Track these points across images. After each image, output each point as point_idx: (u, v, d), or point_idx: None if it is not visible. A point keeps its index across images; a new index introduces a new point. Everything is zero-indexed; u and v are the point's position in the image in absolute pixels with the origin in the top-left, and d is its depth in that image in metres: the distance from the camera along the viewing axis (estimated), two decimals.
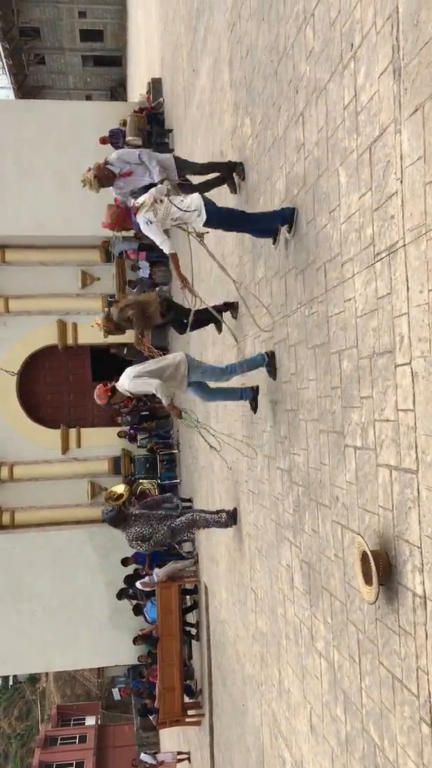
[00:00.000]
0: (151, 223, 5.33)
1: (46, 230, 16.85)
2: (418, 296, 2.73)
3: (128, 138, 14.74)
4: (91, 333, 17.97)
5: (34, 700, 46.23)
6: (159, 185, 5.68)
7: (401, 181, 2.87)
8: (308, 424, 4.39)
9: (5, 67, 38.96)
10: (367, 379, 3.31)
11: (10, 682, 49.77)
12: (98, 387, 6.05)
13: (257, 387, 5.90)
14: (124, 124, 15.09)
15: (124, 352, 18.04)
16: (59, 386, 18.85)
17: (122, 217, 5.96)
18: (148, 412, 17.75)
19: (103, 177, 6.45)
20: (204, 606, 10.97)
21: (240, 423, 6.96)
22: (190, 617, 12.92)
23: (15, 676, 46.21)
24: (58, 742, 35.70)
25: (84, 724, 37.35)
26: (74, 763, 33.90)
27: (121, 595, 14.06)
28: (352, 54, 3.41)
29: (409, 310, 2.81)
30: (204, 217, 5.19)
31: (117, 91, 40.91)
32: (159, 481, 15.69)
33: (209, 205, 5.26)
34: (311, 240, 4.20)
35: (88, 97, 41.76)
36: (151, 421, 17.68)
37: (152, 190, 5.55)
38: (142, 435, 17.30)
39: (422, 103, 2.66)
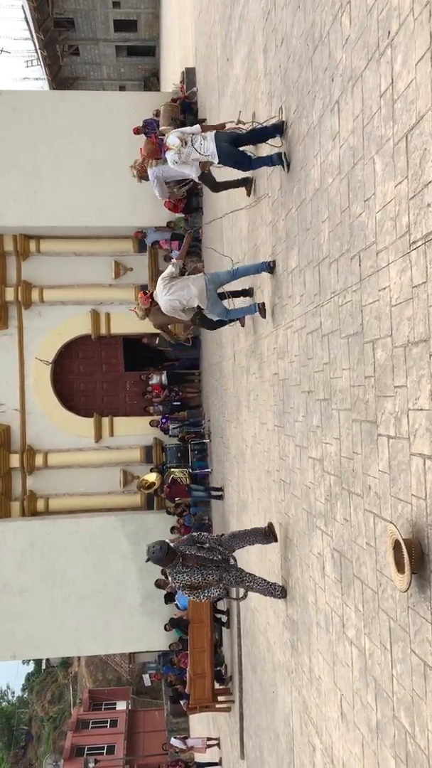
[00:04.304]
0: (176, 162, 6.77)
1: (79, 221, 17.00)
2: None
3: (161, 128, 14.77)
4: (123, 323, 18.21)
5: (66, 684, 47.10)
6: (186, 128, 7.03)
7: None
8: (341, 414, 4.40)
9: (40, 58, 39.24)
10: (401, 369, 3.31)
11: (44, 666, 50.77)
12: (140, 294, 7.87)
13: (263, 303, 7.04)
14: (158, 114, 15.09)
15: (156, 342, 18.18)
16: (92, 375, 19.06)
17: (156, 151, 7.30)
18: (179, 402, 17.87)
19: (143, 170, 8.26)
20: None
21: (272, 413, 6.98)
22: (221, 604, 13.02)
23: (48, 660, 47.14)
24: (90, 725, 36.32)
25: (115, 708, 37.96)
26: (105, 746, 34.48)
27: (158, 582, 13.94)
28: (389, 41, 3.39)
29: None
30: (217, 159, 6.63)
31: (150, 81, 40.92)
32: (190, 470, 15.79)
33: (222, 150, 6.54)
34: (346, 229, 4.20)
35: (122, 88, 41.86)
36: (183, 410, 17.79)
37: (179, 131, 6.81)
38: (174, 424, 17.41)
39: None
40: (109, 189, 16.86)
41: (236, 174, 7.78)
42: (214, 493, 13.67)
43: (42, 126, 16.86)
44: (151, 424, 17.85)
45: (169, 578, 6.29)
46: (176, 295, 7.20)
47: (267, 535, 6.81)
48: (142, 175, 8.26)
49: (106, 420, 18.24)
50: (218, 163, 6.64)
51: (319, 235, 4.85)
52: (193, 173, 7.02)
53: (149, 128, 15.19)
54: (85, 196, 16.86)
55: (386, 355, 3.52)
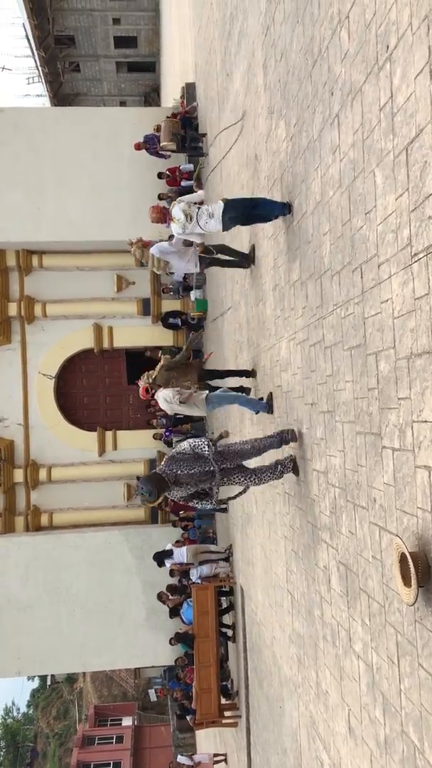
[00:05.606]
0: (180, 234, 7.09)
1: (81, 235, 17.06)
2: None
3: (162, 143, 14.87)
4: (126, 336, 18.24)
5: (71, 700, 46.76)
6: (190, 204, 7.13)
7: None
8: (345, 426, 4.39)
9: (41, 75, 39.59)
10: (404, 380, 3.31)
11: (48, 682, 50.45)
12: (142, 389, 8.60)
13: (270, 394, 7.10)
14: (158, 129, 15.20)
15: (159, 355, 18.16)
16: (95, 389, 19.06)
17: (162, 216, 7.32)
18: (182, 416, 17.84)
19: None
20: (240, 608, 10.99)
21: (275, 426, 6.97)
22: (226, 619, 12.93)
23: (53, 676, 46.85)
24: (96, 741, 36.00)
25: (121, 724, 37.61)
26: (111, 763, 34.15)
27: (161, 563, 13.86)
28: (388, 55, 3.42)
29: None
30: (220, 228, 6.85)
31: (151, 97, 41.21)
32: None
33: (228, 221, 6.68)
34: (347, 242, 4.21)
35: (123, 103, 42.15)
36: (186, 423, 17.76)
37: (185, 204, 6.91)
38: (177, 437, 17.38)
39: None
40: (111, 203, 16.93)
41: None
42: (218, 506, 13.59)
43: (44, 142, 16.97)
44: (155, 437, 17.83)
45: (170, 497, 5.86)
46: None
47: (283, 441, 5.94)
48: (146, 246, 8.37)
49: (109, 434, 18.23)
50: (223, 230, 6.91)
51: (321, 248, 4.86)
52: (197, 239, 7.24)
53: (150, 143, 15.29)
54: (87, 211, 16.94)
55: (389, 367, 3.51)
